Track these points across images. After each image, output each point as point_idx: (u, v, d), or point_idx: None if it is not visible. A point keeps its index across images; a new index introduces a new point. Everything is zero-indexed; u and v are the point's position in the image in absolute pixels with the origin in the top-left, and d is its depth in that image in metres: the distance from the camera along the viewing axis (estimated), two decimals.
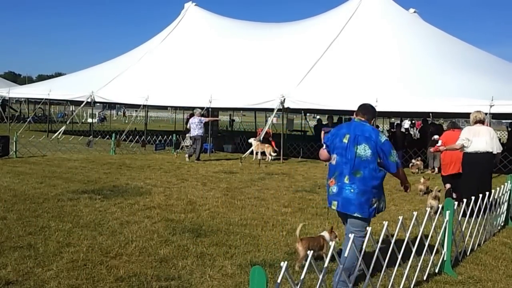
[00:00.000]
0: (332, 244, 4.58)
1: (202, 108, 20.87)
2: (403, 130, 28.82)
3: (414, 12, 27.07)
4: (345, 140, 5.91)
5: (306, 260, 4.46)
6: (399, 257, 5.76)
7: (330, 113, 25.36)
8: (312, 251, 4.39)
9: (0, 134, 19.72)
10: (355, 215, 5.78)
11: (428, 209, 8.83)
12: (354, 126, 6.02)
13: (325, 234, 6.97)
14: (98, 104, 37.35)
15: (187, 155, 19.43)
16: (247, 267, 6.50)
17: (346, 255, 5.29)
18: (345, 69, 20.59)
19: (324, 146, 6.28)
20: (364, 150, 5.79)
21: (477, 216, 7.72)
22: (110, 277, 6.08)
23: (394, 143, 22.77)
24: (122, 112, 65.12)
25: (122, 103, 32.50)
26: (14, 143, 17.93)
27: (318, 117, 40.74)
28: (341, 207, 5.86)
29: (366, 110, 6.19)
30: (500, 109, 15.89)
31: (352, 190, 5.77)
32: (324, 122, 30.87)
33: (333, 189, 5.95)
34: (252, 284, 3.52)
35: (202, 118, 19.80)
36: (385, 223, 5.45)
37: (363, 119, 6.12)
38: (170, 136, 23.11)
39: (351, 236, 5.12)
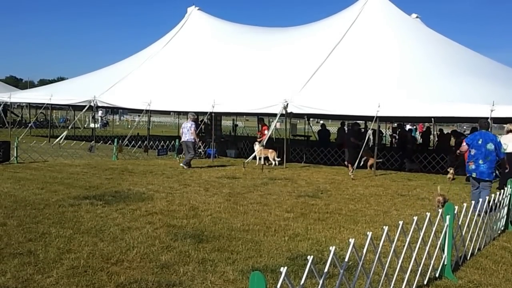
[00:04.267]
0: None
1: (205, 113, 20.74)
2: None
3: (417, 17, 27.10)
4: (480, 142, 11.27)
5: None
6: (399, 261, 5.75)
7: (333, 118, 25.40)
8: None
9: (1, 139, 19.71)
10: (487, 179, 11.22)
11: None
12: (484, 134, 11.46)
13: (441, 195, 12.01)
14: (101, 109, 37.37)
15: (184, 164, 18.57)
16: (248, 273, 6.45)
17: (481, 199, 8.74)
18: (348, 74, 20.60)
19: (465, 143, 11.69)
20: (490, 146, 11.14)
21: None
22: (111, 283, 6.07)
23: (403, 147, 22.68)
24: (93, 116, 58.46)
25: (124, 108, 32.48)
26: (15, 148, 17.89)
27: (322, 122, 40.66)
28: (479, 175, 11.26)
29: (486, 125, 11.88)
30: (501, 113, 15.90)
31: (484, 168, 11.15)
32: (333, 127, 30.95)
33: (472, 166, 11.37)
34: None
35: (194, 125, 19.18)
36: (386, 228, 5.43)
37: (485, 130, 11.63)
38: (173, 141, 23.13)
39: (485, 192, 11.01)
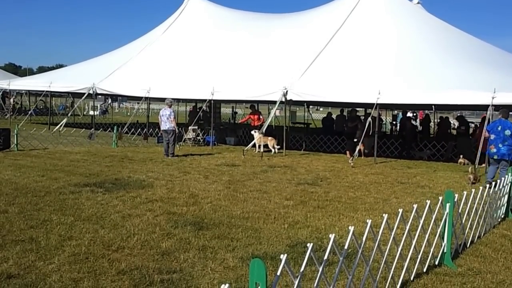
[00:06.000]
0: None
1: (204, 101, 20.53)
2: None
3: (418, 3, 26.94)
4: (499, 128, 13.34)
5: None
6: (399, 249, 5.77)
7: (333, 105, 25.30)
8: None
9: (1, 126, 19.71)
10: (506, 159, 13.26)
11: None
12: (503, 122, 13.54)
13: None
14: (100, 96, 37.29)
15: (164, 154, 18.00)
16: (248, 260, 6.48)
17: (500, 177, 11.53)
18: (347, 61, 20.51)
19: (486, 131, 14.14)
20: (508, 132, 13.13)
21: None
22: (112, 270, 6.10)
23: (403, 136, 22.79)
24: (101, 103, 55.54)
25: (124, 95, 32.38)
26: (15, 136, 17.93)
27: (329, 110, 40.51)
28: (500, 157, 13.36)
29: (505, 114, 14.00)
30: (503, 100, 15.79)
31: (503, 150, 13.23)
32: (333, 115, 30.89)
33: (493, 150, 13.47)
34: (251, 276, 3.52)
35: (173, 113, 18.60)
36: (385, 216, 5.45)
37: (505, 118, 13.76)
38: None
39: (504, 170, 13.00)
